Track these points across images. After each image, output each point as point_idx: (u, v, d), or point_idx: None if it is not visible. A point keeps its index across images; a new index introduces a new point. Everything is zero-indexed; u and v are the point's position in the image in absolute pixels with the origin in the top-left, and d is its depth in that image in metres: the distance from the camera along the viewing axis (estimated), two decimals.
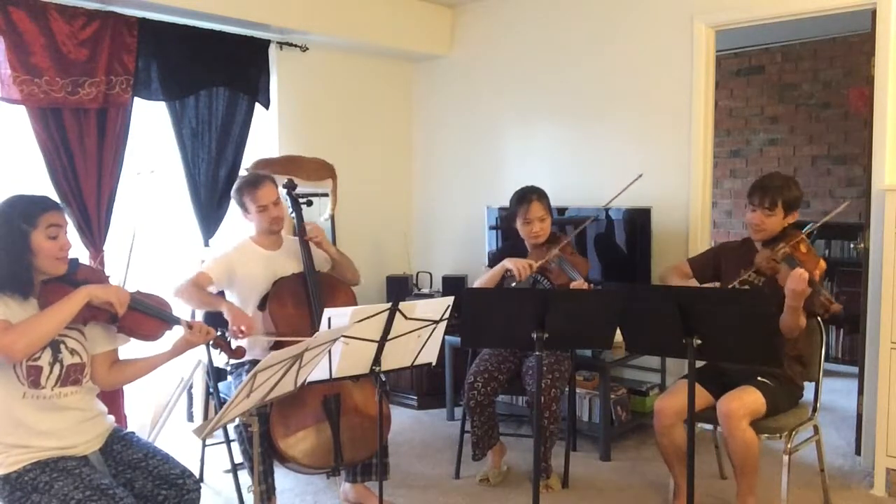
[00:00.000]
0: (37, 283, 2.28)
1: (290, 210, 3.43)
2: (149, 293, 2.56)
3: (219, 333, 2.66)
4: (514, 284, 3.47)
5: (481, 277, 3.62)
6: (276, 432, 2.95)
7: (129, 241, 2.37)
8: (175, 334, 2.55)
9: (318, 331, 2.99)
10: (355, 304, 3.33)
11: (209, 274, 3.22)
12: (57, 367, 2.27)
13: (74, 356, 2.33)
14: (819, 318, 3.14)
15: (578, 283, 3.35)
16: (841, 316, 3.03)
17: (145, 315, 2.45)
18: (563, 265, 3.43)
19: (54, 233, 2.27)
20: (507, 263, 3.48)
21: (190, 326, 2.50)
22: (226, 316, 3.07)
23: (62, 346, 2.30)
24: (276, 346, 3.04)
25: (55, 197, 2.67)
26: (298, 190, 3.49)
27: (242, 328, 3.03)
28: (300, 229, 3.34)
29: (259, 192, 3.26)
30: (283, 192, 3.45)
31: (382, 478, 2.91)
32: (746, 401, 2.87)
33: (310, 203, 3.49)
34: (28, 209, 2.26)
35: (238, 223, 3.77)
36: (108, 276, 2.52)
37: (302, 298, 3.22)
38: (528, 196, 3.56)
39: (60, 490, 2.14)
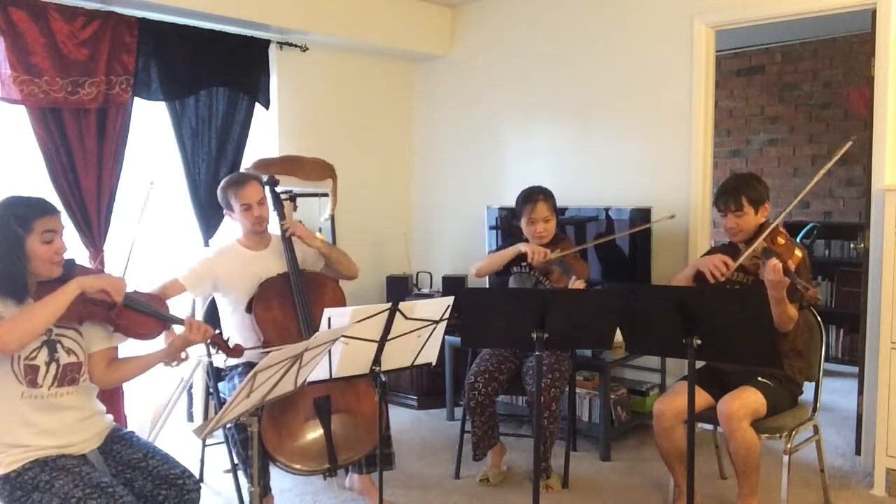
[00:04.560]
0: (32, 286, 2.27)
1: (273, 207, 3.35)
2: (145, 292, 2.56)
3: (217, 332, 2.66)
4: (514, 271, 3.45)
5: (488, 257, 3.56)
6: (267, 440, 2.88)
7: (128, 248, 2.35)
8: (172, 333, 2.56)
9: (304, 331, 2.98)
10: (344, 302, 3.29)
11: (183, 283, 3.12)
12: (53, 367, 2.27)
13: (71, 356, 2.32)
14: (818, 316, 3.15)
15: (575, 284, 3.31)
16: (818, 303, 3.06)
17: (141, 314, 2.45)
18: (564, 267, 3.43)
19: (49, 238, 2.24)
20: (522, 247, 3.47)
21: (188, 325, 2.49)
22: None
23: (58, 346, 2.29)
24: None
25: (54, 197, 2.67)
26: (298, 189, 3.46)
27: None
28: (281, 226, 3.29)
29: (243, 190, 3.20)
30: (265, 188, 3.36)
31: (384, 468, 2.87)
32: (747, 401, 2.87)
33: (293, 199, 3.40)
34: (24, 213, 2.22)
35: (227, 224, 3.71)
36: None
37: (287, 299, 3.15)
38: (534, 196, 3.57)
39: (61, 489, 2.14)
